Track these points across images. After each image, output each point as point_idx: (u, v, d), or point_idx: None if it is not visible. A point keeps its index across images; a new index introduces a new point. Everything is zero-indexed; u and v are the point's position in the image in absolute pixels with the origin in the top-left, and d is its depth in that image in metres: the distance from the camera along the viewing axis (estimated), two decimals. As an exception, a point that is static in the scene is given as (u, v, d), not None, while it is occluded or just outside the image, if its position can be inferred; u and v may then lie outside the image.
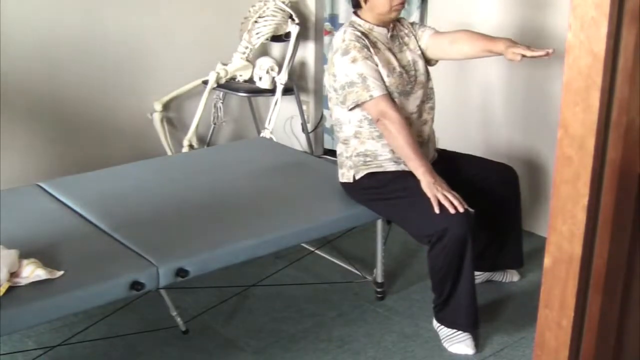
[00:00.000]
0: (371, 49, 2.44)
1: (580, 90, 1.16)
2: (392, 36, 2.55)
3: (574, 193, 1.21)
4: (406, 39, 2.59)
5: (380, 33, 2.52)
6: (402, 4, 2.49)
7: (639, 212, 1.26)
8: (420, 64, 2.57)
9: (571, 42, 1.15)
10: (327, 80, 2.55)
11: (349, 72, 2.43)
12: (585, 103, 1.16)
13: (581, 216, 1.21)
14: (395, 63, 2.49)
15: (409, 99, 2.51)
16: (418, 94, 2.54)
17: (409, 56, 2.56)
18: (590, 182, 1.18)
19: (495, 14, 3.26)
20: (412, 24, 2.65)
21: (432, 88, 2.63)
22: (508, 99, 3.32)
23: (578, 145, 1.18)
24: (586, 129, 1.16)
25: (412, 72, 2.54)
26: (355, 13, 2.56)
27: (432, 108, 2.63)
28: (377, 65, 2.43)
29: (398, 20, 2.61)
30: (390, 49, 2.52)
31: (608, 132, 1.18)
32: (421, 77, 2.56)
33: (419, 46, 2.60)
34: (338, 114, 2.54)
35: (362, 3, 2.49)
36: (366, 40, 2.45)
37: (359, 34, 2.46)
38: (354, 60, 2.42)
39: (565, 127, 1.20)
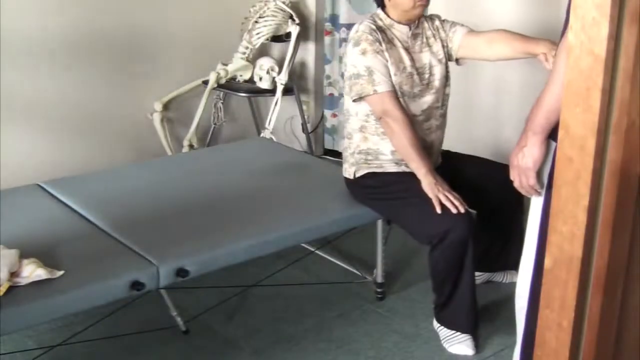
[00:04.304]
0: (383, 44, 2.40)
1: (581, 91, 1.16)
2: (414, 34, 2.49)
3: (575, 194, 1.21)
4: (431, 40, 2.51)
5: (400, 31, 2.46)
6: None
7: (639, 212, 1.26)
8: (438, 69, 2.50)
9: (572, 42, 1.15)
10: (343, 70, 2.53)
11: (357, 63, 2.40)
12: (586, 104, 1.16)
13: (582, 217, 1.21)
14: (407, 63, 2.44)
15: (416, 102, 2.46)
16: (427, 98, 2.49)
17: (426, 59, 2.49)
18: (591, 183, 1.18)
19: (497, 11, 3.25)
20: (443, 22, 2.56)
21: (447, 94, 2.56)
22: (514, 100, 3.30)
23: (579, 146, 1.18)
24: (587, 129, 1.17)
25: (426, 76, 2.48)
26: (380, 7, 2.50)
27: (443, 115, 2.56)
28: (387, 60, 2.40)
29: (429, 18, 2.55)
30: (407, 48, 2.46)
31: (608, 133, 1.18)
32: (436, 83, 2.50)
33: (447, 47, 2.52)
34: (348, 105, 2.52)
35: (386, 0, 2.45)
36: (380, 35, 2.41)
37: (374, 27, 2.42)
38: (363, 53, 2.39)
39: (565, 128, 1.20)
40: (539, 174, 1.75)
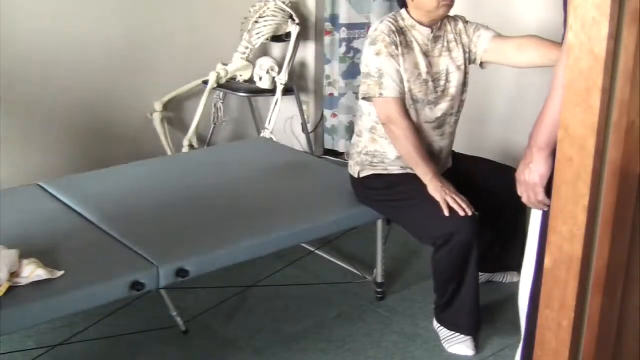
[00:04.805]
0: (400, 48, 2.35)
1: (581, 91, 1.16)
2: (435, 37, 2.42)
3: (575, 194, 1.21)
4: (452, 44, 2.44)
5: (421, 33, 2.40)
6: None
7: (639, 212, 1.26)
8: (456, 75, 2.44)
9: (572, 43, 1.15)
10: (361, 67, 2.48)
11: (370, 63, 2.36)
12: (586, 104, 1.16)
13: (582, 217, 1.21)
14: (423, 69, 2.39)
15: (432, 109, 2.42)
16: (442, 106, 2.44)
17: (444, 64, 2.43)
18: (591, 183, 1.18)
19: (503, 8, 3.23)
20: (467, 24, 2.48)
21: (464, 101, 2.51)
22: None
23: (579, 146, 1.18)
24: (587, 129, 1.17)
25: (442, 82, 2.43)
26: (403, 7, 2.44)
27: (457, 122, 2.52)
28: (400, 66, 2.35)
29: (453, 19, 2.47)
30: (425, 52, 2.40)
31: (608, 133, 1.18)
32: (452, 90, 2.44)
33: (470, 51, 2.46)
34: (361, 103, 2.48)
35: (409, 1, 2.39)
36: (398, 38, 2.35)
37: (394, 29, 2.37)
38: (378, 53, 2.35)
39: (565, 128, 1.20)
40: (547, 189, 1.73)
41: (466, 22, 2.50)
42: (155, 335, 2.46)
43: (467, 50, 2.47)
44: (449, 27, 2.46)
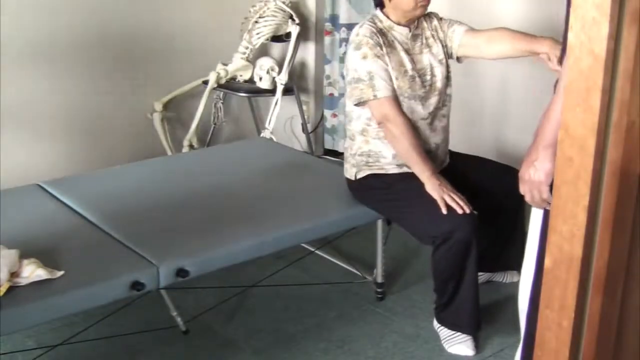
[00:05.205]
0: (384, 48, 2.39)
1: (581, 91, 1.16)
2: (414, 35, 2.48)
3: (575, 194, 1.21)
4: (430, 40, 2.50)
5: (400, 32, 2.45)
6: None
7: (639, 212, 1.26)
8: (439, 70, 2.48)
9: (572, 42, 1.15)
10: (344, 73, 2.52)
11: (358, 67, 2.39)
12: (586, 104, 1.16)
13: (582, 217, 1.21)
14: (408, 66, 2.43)
15: (423, 104, 2.45)
16: (432, 100, 2.47)
17: (426, 60, 2.47)
18: (591, 183, 1.18)
19: (493, 6, 3.23)
20: (441, 20, 2.54)
21: (449, 95, 2.55)
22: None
23: (579, 146, 1.18)
24: (587, 129, 1.17)
25: (427, 77, 2.47)
26: (378, 7, 2.48)
27: (445, 115, 2.54)
28: (387, 65, 2.38)
29: (427, 17, 2.52)
30: (407, 50, 2.45)
31: (608, 133, 1.18)
32: (438, 84, 2.48)
33: (447, 46, 2.51)
34: (349, 108, 2.51)
35: (386, 1, 2.43)
36: (380, 39, 2.40)
37: (374, 30, 2.41)
38: (364, 57, 2.38)
39: (565, 128, 1.20)
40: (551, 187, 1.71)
41: (440, 18, 2.56)
42: (155, 335, 2.46)
43: (445, 44, 2.53)
44: (425, 24, 2.52)
